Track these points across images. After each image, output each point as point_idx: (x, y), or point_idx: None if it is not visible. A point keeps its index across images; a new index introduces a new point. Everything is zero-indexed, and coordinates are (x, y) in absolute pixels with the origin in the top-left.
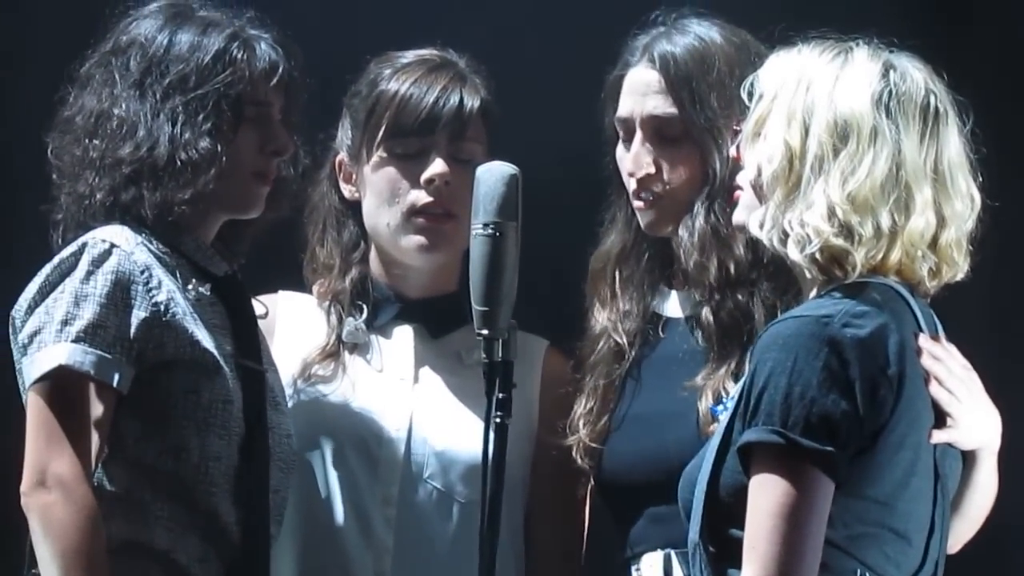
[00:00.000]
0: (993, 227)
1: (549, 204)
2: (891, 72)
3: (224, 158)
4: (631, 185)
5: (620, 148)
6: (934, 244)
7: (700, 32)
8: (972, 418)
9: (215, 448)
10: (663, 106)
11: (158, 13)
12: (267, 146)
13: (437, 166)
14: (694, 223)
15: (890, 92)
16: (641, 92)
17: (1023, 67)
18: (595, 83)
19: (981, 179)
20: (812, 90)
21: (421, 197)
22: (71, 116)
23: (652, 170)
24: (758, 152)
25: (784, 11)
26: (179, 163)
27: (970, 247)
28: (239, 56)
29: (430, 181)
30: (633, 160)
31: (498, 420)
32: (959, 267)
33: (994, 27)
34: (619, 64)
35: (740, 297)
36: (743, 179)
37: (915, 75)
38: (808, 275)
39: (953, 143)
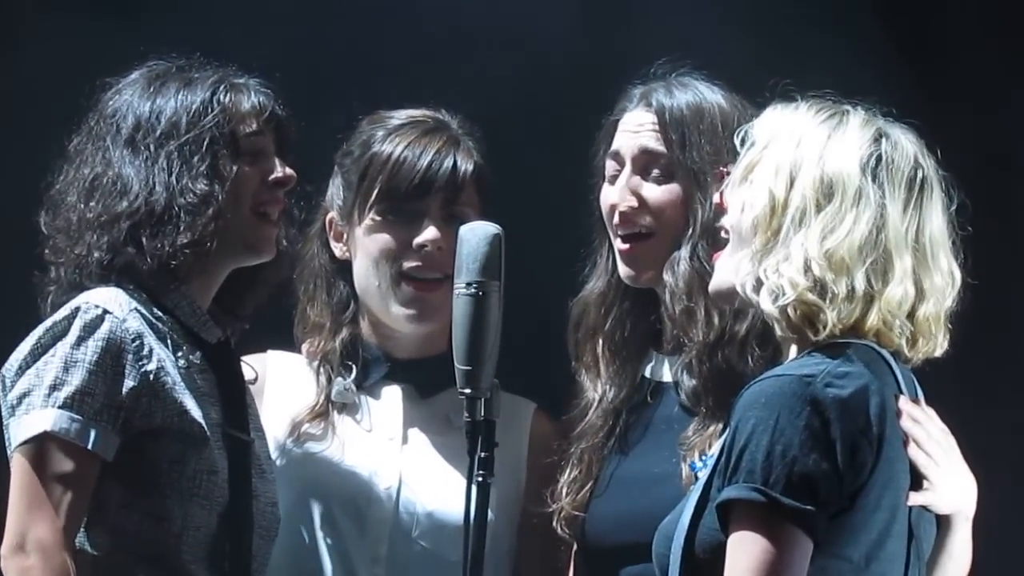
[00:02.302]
0: (972, 301)
1: (534, 263)
2: (883, 139)
3: (222, 197)
4: (615, 220)
5: (605, 188)
6: (912, 315)
7: (698, 87)
8: (949, 482)
9: (197, 518)
10: (653, 143)
11: (139, 79)
12: (268, 176)
13: (430, 232)
14: (678, 267)
15: (879, 158)
16: (634, 131)
17: (1003, 146)
18: (580, 140)
19: (963, 257)
20: (803, 145)
21: (412, 261)
22: (63, 188)
23: (635, 203)
24: (742, 196)
25: (773, 73)
26: (177, 208)
27: (949, 324)
28: (227, 98)
29: (422, 246)
30: (619, 192)
31: (480, 479)
32: (937, 342)
33: (973, 102)
34: (616, 109)
35: (728, 353)
36: (726, 221)
37: (906, 146)
38: (778, 331)
39: (936, 218)
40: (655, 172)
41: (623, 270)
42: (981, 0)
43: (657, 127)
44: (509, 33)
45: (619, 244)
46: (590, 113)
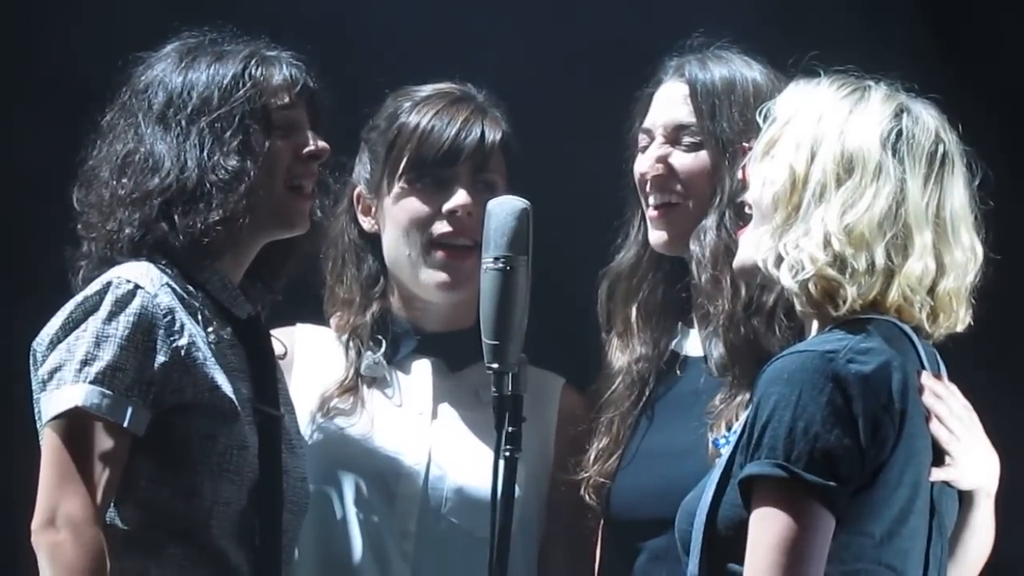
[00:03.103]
0: (996, 277)
1: (563, 238)
2: (904, 114)
3: (254, 173)
4: (646, 188)
5: (638, 158)
6: (932, 290)
7: (733, 60)
8: (971, 458)
9: (227, 493)
10: (684, 114)
11: (171, 52)
12: (302, 150)
13: (460, 197)
14: (705, 237)
15: (899, 132)
16: (667, 103)
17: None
18: (612, 116)
19: (985, 233)
20: (824, 121)
21: (443, 227)
22: (96, 164)
23: (664, 171)
24: (764, 171)
25: (796, 48)
26: (209, 185)
27: (972, 300)
28: (258, 72)
29: (453, 212)
30: (649, 160)
31: (507, 454)
32: (958, 317)
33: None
34: (651, 82)
35: (756, 324)
36: (748, 197)
37: (928, 121)
38: (799, 306)
39: (958, 193)
40: (685, 141)
41: (653, 236)
42: None
43: (689, 98)
44: (538, 6)
45: (650, 212)
46: (619, 87)
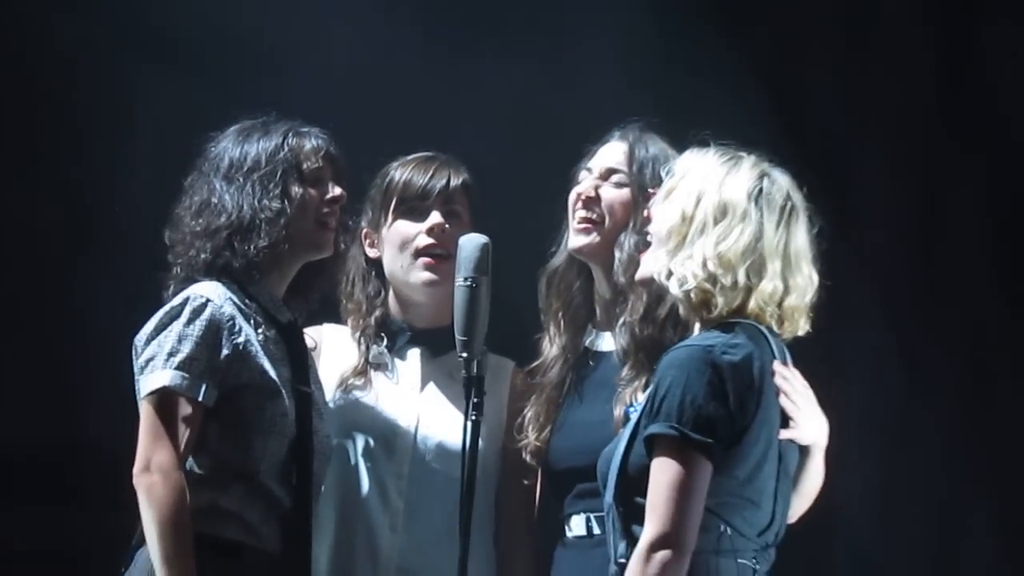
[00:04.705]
0: (826, 297)
1: (512, 265)
2: (766, 178)
3: (290, 211)
4: (576, 206)
5: (576, 185)
6: (780, 304)
7: (659, 142)
8: (808, 423)
9: (273, 448)
10: (619, 163)
11: (232, 132)
12: (326, 195)
13: (435, 217)
14: (624, 246)
15: (761, 190)
16: (608, 153)
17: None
18: (549, 185)
19: (819, 265)
20: (708, 178)
21: (425, 240)
22: (181, 212)
23: (593, 194)
24: (664, 210)
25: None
26: (258, 221)
27: (811, 313)
28: (294, 142)
29: (432, 228)
30: (584, 185)
31: (473, 418)
32: (799, 325)
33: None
34: (599, 141)
35: (653, 327)
36: (651, 228)
37: (782, 183)
38: (683, 310)
39: (801, 236)
40: (614, 179)
41: (573, 241)
42: (841, 87)
43: (626, 153)
44: (485, 105)
45: (574, 224)
46: (547, 154)
